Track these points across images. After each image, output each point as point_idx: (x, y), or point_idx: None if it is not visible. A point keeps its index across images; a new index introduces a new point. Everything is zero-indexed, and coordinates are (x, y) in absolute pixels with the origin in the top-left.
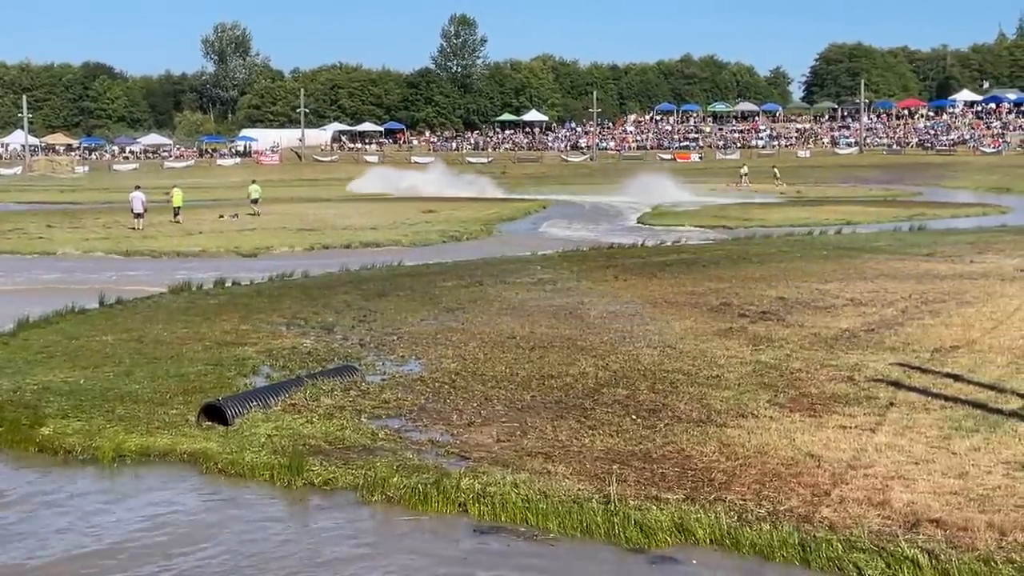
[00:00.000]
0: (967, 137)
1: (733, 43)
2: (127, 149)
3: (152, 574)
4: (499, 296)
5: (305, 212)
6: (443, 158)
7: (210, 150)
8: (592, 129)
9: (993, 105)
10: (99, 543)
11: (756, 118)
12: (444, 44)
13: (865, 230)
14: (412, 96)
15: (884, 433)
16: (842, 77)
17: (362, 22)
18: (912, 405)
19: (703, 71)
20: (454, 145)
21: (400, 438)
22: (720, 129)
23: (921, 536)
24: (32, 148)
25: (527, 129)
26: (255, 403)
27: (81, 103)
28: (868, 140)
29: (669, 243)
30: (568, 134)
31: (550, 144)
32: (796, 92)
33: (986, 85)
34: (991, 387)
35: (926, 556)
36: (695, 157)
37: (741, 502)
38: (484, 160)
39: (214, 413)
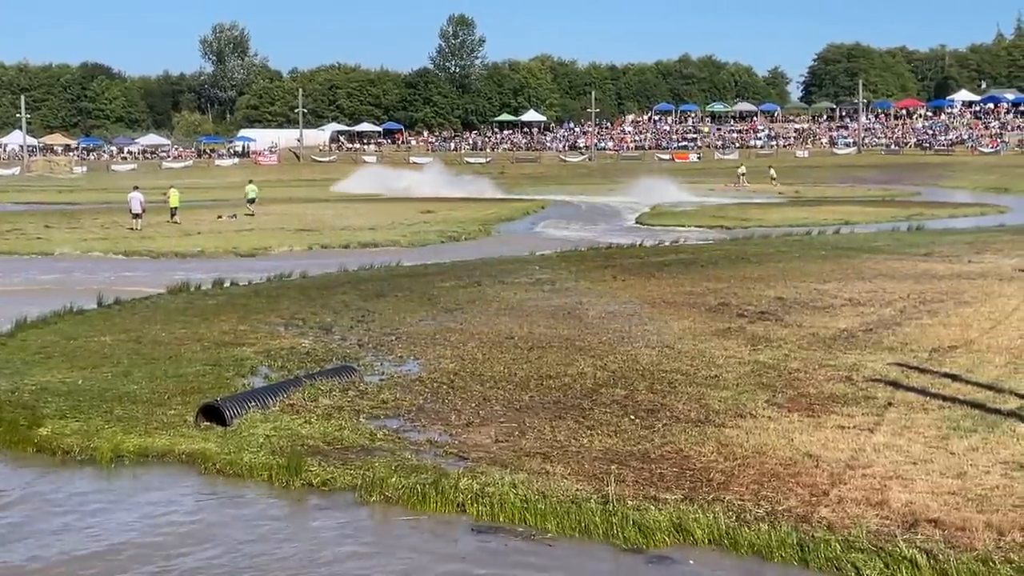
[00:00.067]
0: (965, 137)
1: (731, 43)
2: (125, 149)
3: (151, 575)
4: (497, 296)
5: (303, 212)
6: (441, 158)
7: (208, 150)
8: (590, 129)
9: (991, 105)
10: (98, 544)
11: (754, 118)
12: (442, 44)
13: (863, 230)
14: (410, 96)
15: (882, 433)
16: (840, 77)
17: (360, 22)
18: (910, 405)
19: (701, 71)
20: (452, 145)
21: (398, 438)
22: (718, 129)
23: (919, 536)
24: (30, 148)
25: (525, 129)
26: (253, 403)
27: (79, 103)
28: (866, 140)
29: (667, 243)
30: (566, 134)
31: (548, 144)
32: (794, 92)
33: (984, 85)
34: (989, 387)
35: (924, 556)
36: (693, 157)
37: (739, 502)
38: (482, 160)
39: (212, 413)
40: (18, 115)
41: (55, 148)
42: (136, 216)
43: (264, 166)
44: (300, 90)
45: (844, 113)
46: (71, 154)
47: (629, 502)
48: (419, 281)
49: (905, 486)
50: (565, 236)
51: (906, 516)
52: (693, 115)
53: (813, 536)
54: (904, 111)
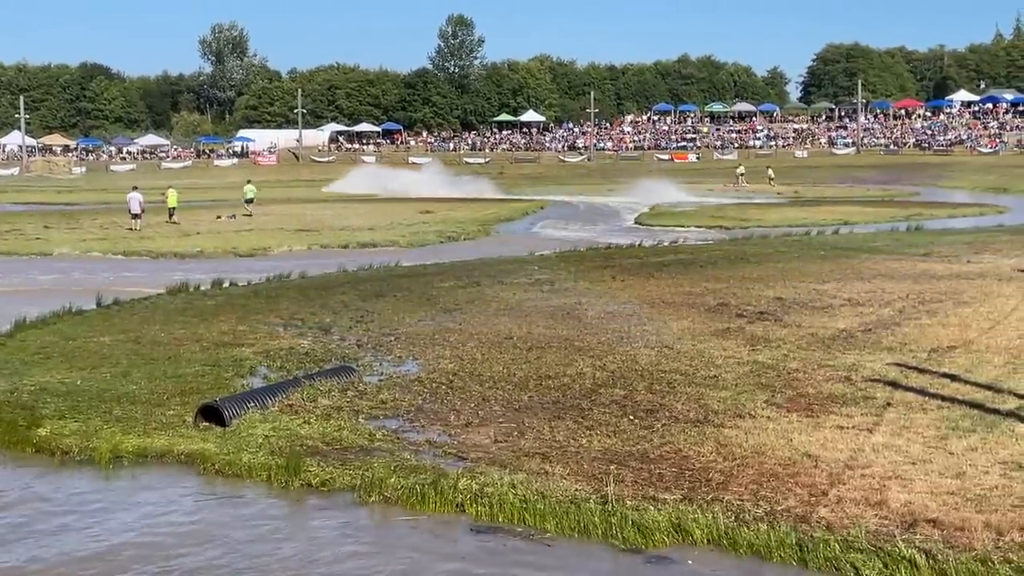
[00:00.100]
0: (964, 137)
1: (730, 43)
2: (124, 150)
3: (151, 575)
4: (496, 296)
5: (302, 213)
6: (440, 158)
7: (207, 151)
8: (589, 129)
9: (990, 105)
10: (97, 544)
11: (753, 118)
12: (441, 44)
13: (862, 230)
14: (409, 96)
15: (881, 433)
16: (839, 77)
17: (359, 22)
18: (909, 405)
19: (700, 71)
20: (451, 146)
21: (397, 439)
22: (717, 129)
23: (918, 536)
24: (29, 149)
25: (524, 129)
26: (252, 404)
27: (78, 104)
28: (865, 140)
29: (666, 243)
30: (565, 134)
31: (547, 144)
32: (793, 92)
33: (983, 85)
34: (988, 387)
35: (923, 556)
36: (692, 157)
37: (738, 502)
38: (481, 160)
39: (211, 414)
40: (17, 115)
41: (54, 148)
42: (135, 216)
43: (263, 166)
44: (299, 90)
45: (843, 113)
46: (70, 154)
47: (628, 502)
48: (418, 281)
49: (904, 486)
50: (564, 236)
51: (905, 516)
52: (692, 115)
53: (812, 536)
54: (903, 111)
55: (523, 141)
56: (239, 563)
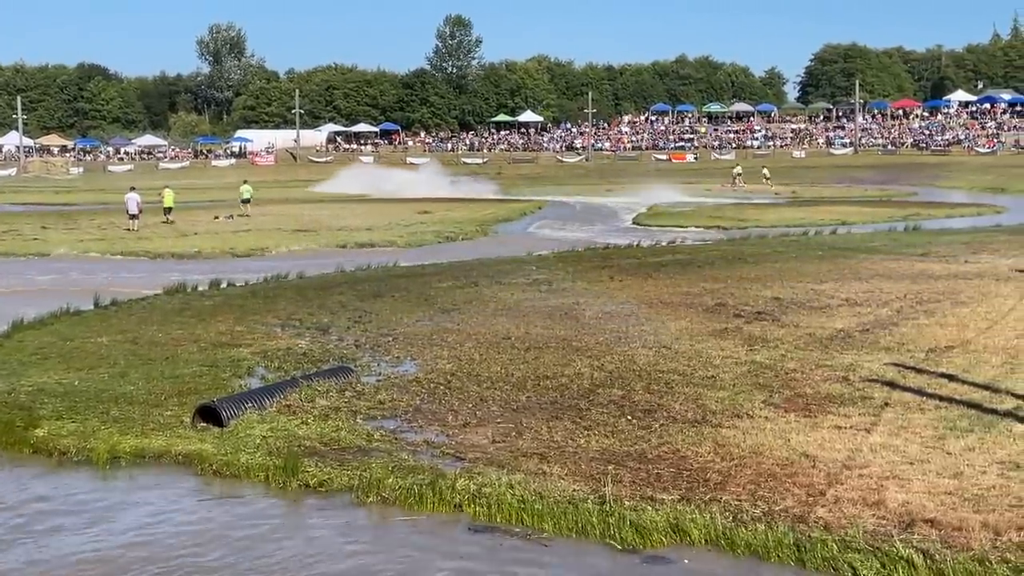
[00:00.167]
0: (962, 137)
1: (728, 44)
2: (122, 150)
3: None
4: (494, 297)
5: (300, 213)
6: (438, 159)
7: (205, 151)
8: (587, 130)
9: (988, 105)
10: (95, 545)
11: (751, 118)
12: (439, 45)
13: (860, 230)
14: (407, 97)
15: (879, 433)
16: (837, 77)
17: (357, 23)
18: (907, 405)
19: (698, 72)
20: (449, 146)
21: (395, 439)
22: (715, 130)
23: (916, 536)
24: (27, 149)
25: (522, 130)
26: (250, 404)
27: (76, 104)
28: (863, 140)
29: (664, 244)
30: (563, 135)
31: (545, 145)
32: (791, 92)
33: (980, 85)
34: (986, 387)
35: (921, 556)
36: (690, 158)
37: (736, 502)
38: (479, 161)
39: (209, 414)
40: (14, 116)
41: (52, 149)
42: (133, 217)
43: (261, 167)
44: (297, 91)
45: (841, 113)
46: (68, 155)
47: (626, 502)
48: (416, 281)
49: (902, 486)
50: (562, 236)
51: (903, 516)
52: (690, 115)
53: (810, 536)
54: (901, 111)
55: (521, 141)
56: (238, 564)
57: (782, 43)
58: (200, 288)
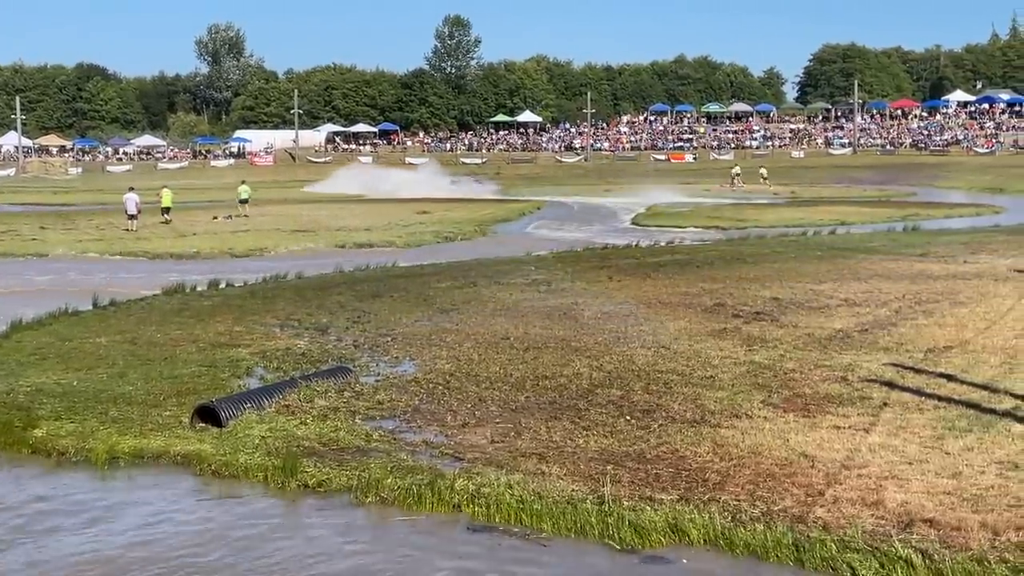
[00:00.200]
0: (960, 137)
1: (727, 44)
2: (121, 150)
3: None
4: (493, 297)
5: (299, 213)
6: (437, 159)
7: (204, 151)
8: (586, 130)
9: (986, 105)
10: (93, 545)
11: (750, 118)
12: (438, 45)
13: (859, 230)
14: (406, 97)
15: (878, 433)
16: (836, 77)
17: (356, 23)
18: (906, 405)
19: (697, 72)
20: (448, 146)
21: (394, 439)
22: (714, 130)
23: (915, 536)
24: (25, 150)
25: (521, 130)
26: (249, 404)
27: (75, 104)
28: (862, 140)
29: (663, 244)
30: (562, 135)
31: (544, 145)
32: (790, 93)
33: (979, 85)
34: (984, 387)
35: (920, 556)
36: (689, 158)
37: (735, 502)
38: (478, 161)
39: (208, 415)
40: (13, 116)
41: (50, 149)
42: (132, 217)
43: (259, 167)
44: (296, 91)
45: (840, 113)
46: (66, 155)
47: (625, 502)
48: (415, 282)
49: (900, 486)
50: (561, 237)
51: (901, 516)
52: (689, 116)
53: (809, 536)
54: (899, 111)
55: (520, 141)
56: (237, 564)
57: (781, 43)
58: (199, 288)
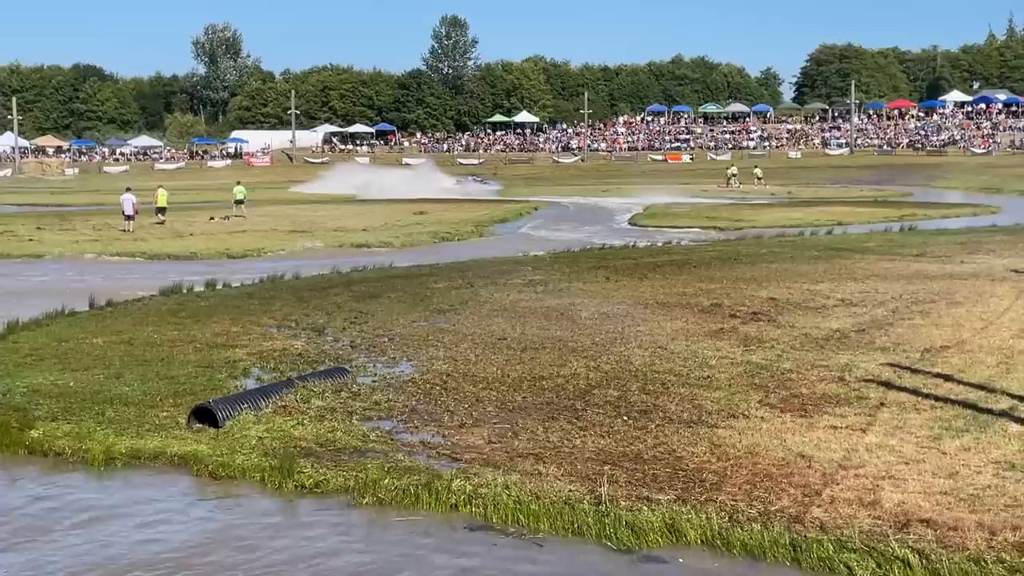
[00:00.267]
0: (957, 138)
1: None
2: (118, 151)
3: None
4: (490, 297)
5: (296, 214)
6: (434, 159)
7: (201, 152)
8: (583, 130)
9: (983, 106)
10: (91, 546)
11: (747, 119)
12: (435, 45)
13: (856, 231)
14: (403, 97)
15: (875, 433)
16: (833, 78)
17: (353, 24)
18: (902, 405)
19: (694, 72)
20: (445, 147)
21: (391, 440)
22: (711, 130)
23: (912, 536)
24: (22, 150)
25: (518, 130)
26: (246, 405)
27: (71, 105)
28: (859, 141)
29: (660, 244)
30: (559, 135)
31: (541, 145)
32: (787, 93)
33: (976, 86)
34: (981, 387)
35: (916, 556)
36: (686, 158)
37: (732, 503)
38: (475, 161)
39: (204, 415)
40: (10, 117)
41: (47, 150)
42: (128, 218)
43: (257, 167)
44: (293, 91)
45: (836, 114)
46: (63, 156)
47: (622, 503)
48: (412, 282)
49: (897, 486)
50: (558, 237)
51: (898, 516)
52: (686, 116)
53: (806, 536)
54: (896, 112)
55: (517, 142)
56: (234, 564)
57: (778, 44)
58: (196, 289)
